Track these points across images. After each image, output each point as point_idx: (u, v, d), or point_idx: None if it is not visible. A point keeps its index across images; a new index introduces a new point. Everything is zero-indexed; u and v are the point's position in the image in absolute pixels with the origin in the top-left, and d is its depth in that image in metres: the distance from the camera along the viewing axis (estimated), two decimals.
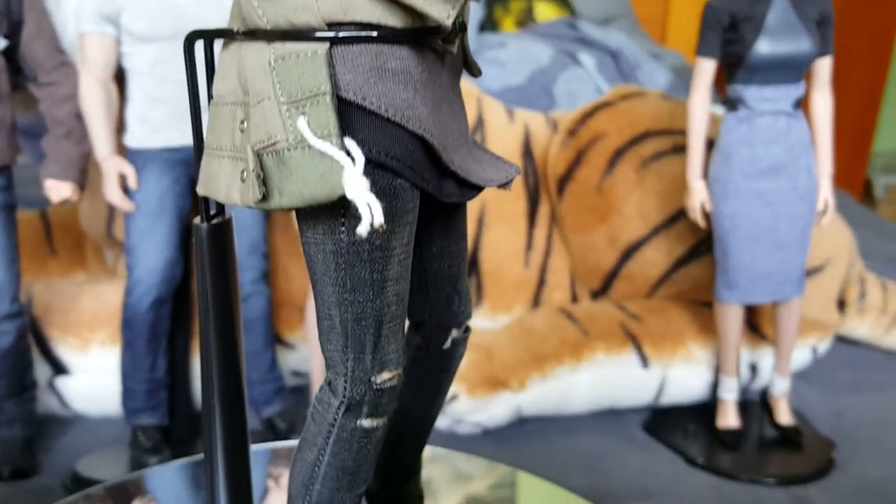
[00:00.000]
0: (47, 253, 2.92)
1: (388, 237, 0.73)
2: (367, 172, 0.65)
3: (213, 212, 0.94)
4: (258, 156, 0.69)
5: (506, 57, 3.66)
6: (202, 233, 0.93)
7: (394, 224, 0.72)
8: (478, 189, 0.83)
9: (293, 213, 2.33)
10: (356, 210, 0.65)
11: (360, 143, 0.66)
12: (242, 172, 0.73)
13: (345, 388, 0.74)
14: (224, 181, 0.79)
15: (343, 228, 0.71)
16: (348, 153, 0.66)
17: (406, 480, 1.03)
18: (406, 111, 0.68)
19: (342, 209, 0.71)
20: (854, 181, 5.50)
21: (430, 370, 0.93)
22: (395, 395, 0.78)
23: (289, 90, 0.65)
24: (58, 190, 2.01)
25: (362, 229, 0.65)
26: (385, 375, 0.75)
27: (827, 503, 2.04)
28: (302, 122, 0.65)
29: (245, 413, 0.98)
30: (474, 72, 0.82)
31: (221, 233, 0.94)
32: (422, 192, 0.74)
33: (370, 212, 0.64)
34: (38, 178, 3.77)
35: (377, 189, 0.66)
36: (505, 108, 2.69)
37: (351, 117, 0.66)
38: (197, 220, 0.94)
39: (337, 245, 0.71)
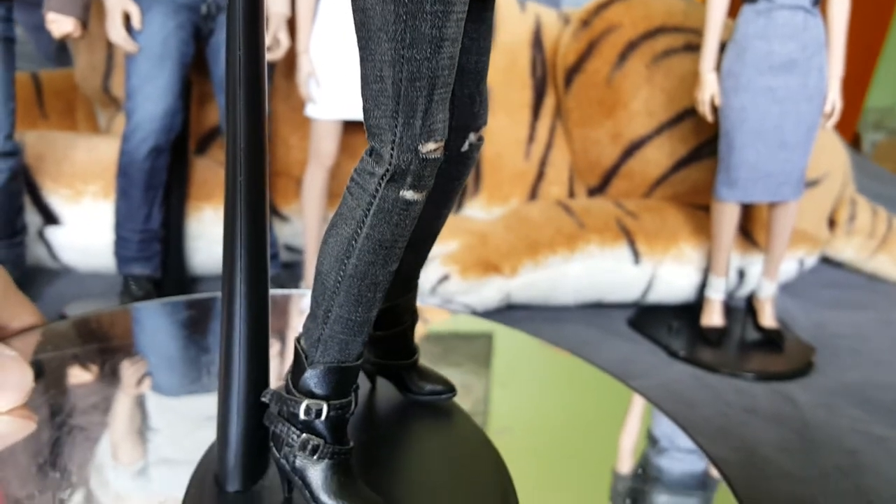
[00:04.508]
0: (38, 116, 2.86)
1: None
2: None
3: None
4: None
5: None
6: None
7: None
8: None
9: (299, 76, 2.24)
10: None
11: None
12: None
13: (391, 155, 0.71)
14: None
15: None
16: None
17: (403, 293, 1.02)
18: None
19: None
20: (844, 135, 5.54)
21: (445, 173, 0.93)
22: (435, 169, 0.76)
23: None
24: (59, 24, 1.94)
25: None
26: (431, 145, 0.73)
27: (806, 399, 2.09)
28: None
29: (267, 192, 0.96)
30: None
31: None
32: None
33: None
34: (29, 53, 3.67)
35: None
36: None
37: None
38: None
39: None
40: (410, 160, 0.70)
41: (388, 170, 0.70)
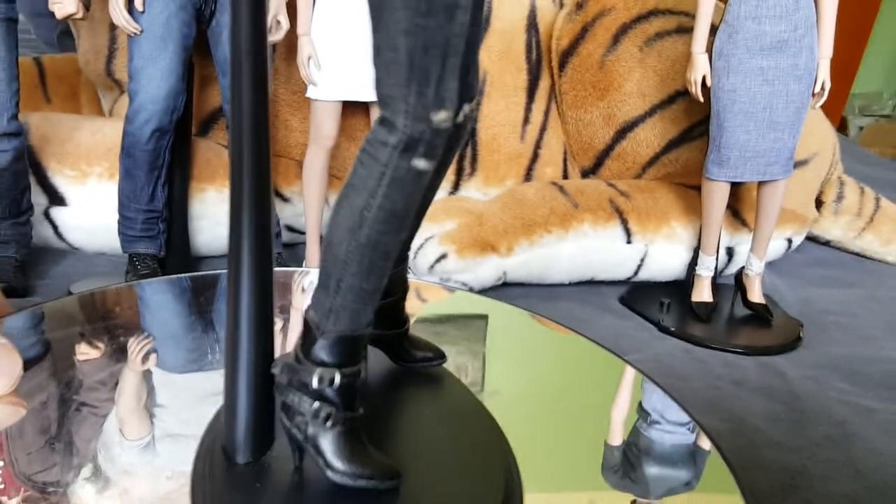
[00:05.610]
0: (41, 100, 2.89)
1: None
2: None
3: None
4: None
5: None
6: None
7: None
8: None
9: (299, 58, 2.26)
10: None
11: None
12: None
13: (404, 124, 0.72)
14: None
15: None
16: None
17: (396, 264, 1.05)
18: None
19: None
20: (831, 120, 5.58)
21: None
22: (446, 139, 0.77)
23: None
24: (62, 6, 1.98)
25: None
26: (442, 115, 0.74)
27: (794, 372, 2.15)
28: None
29: (270, 162, 0.99)
30: None
31: None
32: None
33: None
34: (30, 40, 3.67)
35: None
36: None
37: None
38: None
39: None
40: (423, 129, 0.71)
41: (401, 139, 0.71)
